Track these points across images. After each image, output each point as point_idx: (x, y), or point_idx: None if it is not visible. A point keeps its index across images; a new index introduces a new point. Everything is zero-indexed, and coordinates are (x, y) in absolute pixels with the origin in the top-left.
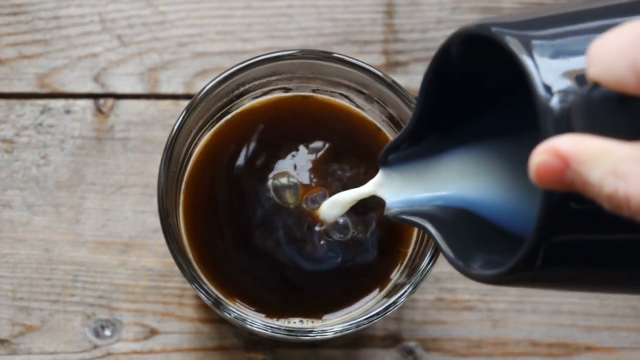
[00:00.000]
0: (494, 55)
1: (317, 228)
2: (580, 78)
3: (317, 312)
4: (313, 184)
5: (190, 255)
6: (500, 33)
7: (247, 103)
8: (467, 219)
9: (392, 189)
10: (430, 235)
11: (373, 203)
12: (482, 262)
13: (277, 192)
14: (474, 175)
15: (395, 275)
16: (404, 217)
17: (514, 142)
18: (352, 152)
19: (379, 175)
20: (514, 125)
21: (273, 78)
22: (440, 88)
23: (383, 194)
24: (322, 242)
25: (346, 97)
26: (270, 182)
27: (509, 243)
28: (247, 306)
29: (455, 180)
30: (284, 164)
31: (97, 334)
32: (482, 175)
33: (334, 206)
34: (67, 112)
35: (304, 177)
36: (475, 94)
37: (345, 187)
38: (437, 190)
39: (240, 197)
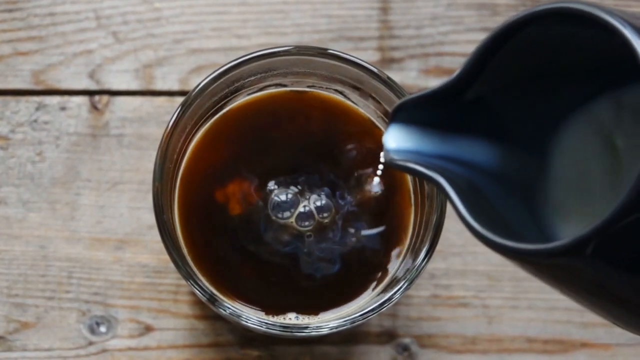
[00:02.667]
0: (556, 43)
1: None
2: None
3: (312, 308)
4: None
5: (186, 252)
6: (603, 11)
7: (242, 99)
8: (477, 192)
9: (399, 137)
10: (444, 191)
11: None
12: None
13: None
14: (491, 155)
15: (390, 272)
16: (410, 165)
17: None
18: (348, 148)
19: (391, 127)
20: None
21: (268, 74)
22: (487, 60)
23: (387, 139)
24: (318, 238)
25: (341, 93)
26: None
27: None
28: (242, 302)
29: (470, 154)
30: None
31: (93, 330)
32: (500, 158)
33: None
34: (63, 108)
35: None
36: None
37: (344, 185)
38: (447, 153)
39: (236, 193)
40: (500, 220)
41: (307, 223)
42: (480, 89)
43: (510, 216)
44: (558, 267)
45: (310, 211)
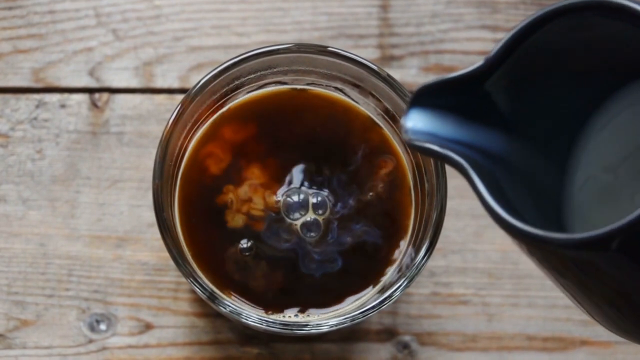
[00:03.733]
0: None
1: (310, 219)
2: None
3: (312, 306)
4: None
5: (186, 250)
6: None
7: (242, 97)
8: (491, 178)
9: (418, 118)
10: (465, 174)
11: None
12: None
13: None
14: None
15: (390, 269)
16: (430, 146)
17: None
18: (347, 146)
19: (411, 109)
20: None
21: (268, 72)
22: (515, 49)
23: (407, 120)
24: (318, 236)
25: (341, 90)
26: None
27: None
28: (242, 300)
29: (483, 142)
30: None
31: (92, 328)
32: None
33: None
34: (62, 106)
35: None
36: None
37: (344, 184)
38: (463, 139)
39: (236, 191)
40: (511, 208)
41: (313, 234)
42: (501, 79)
43: (517, 206)
44: (578, 260)
45: (311, 220)
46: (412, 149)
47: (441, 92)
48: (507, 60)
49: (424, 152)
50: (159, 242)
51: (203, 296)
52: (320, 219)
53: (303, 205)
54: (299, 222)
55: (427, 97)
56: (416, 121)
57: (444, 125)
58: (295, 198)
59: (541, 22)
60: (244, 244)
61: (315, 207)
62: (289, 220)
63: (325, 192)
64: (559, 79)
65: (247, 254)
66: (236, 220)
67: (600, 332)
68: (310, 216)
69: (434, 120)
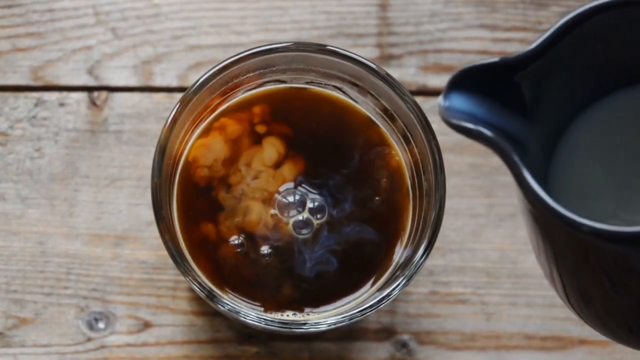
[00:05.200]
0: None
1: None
2: None
3: (310, 304)
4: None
5: (184, 248)
6: None
7: (241, 95)
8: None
9: (455, 99)
10: (506, 156)
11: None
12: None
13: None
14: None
15: (388, 268)
16: (468, 125)
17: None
18: (346, 145)
19: (449, 90)
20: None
21: (267, 70)
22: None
23: (445, 99)
24: (317, 235)
25: (340, 89)
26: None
27: None
28: (241, 299)
29: (512, 128)
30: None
31: (91, 326)
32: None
33: None
34: (61, 104)
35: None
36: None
37: (343, 183)
38: (496, 123)
39: (234, 189)
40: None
41: (305, 231)
42: (534, 69)
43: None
44: (611, 253)
45: (308, 218)
46: (450, 127)
47: (477, 76)
48: (547, 53)
49: (461, 131)
50: (158, 241)
51: (202, 294)
52: (314, 219)
53: (299, 205)
54: (291, 220)
55: (464, 80)
56: (452, 101)
57: (476, 106)
58: (290, 198)
59: (588, 15)
60: (243, 242)
61: (313, 207)
62: (285, 219)
63: (324, 192)
64: (577, 72)
65: (245, 253)
66: (235, 219)
67: None
68: (303, 215)
69: (468, 101)
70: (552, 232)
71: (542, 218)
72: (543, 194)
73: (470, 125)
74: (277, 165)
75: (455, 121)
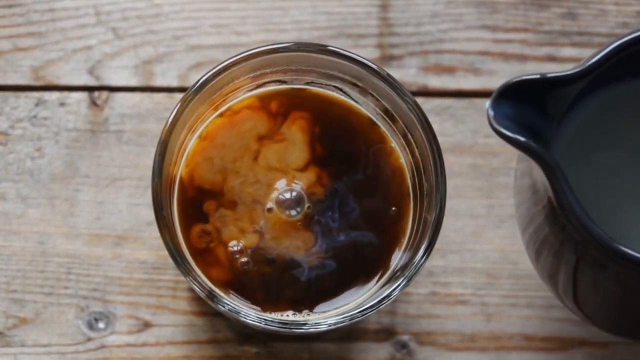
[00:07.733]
0: None
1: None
2: None
3: (311, 305)
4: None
5: (184, 248)
6: None
7: (242, 96)
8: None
9: (504, 109)
10: (551, 172)
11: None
12: None
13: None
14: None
15: (389, 269)
16: (517, 137)
17: None
18: (346, 145)
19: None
20: None
21: (268, 71)
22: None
23: (493, 108)
24: (317, 235)
25: (341, 90)
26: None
27: None
28: (241, 299)
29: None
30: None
31: (91, 326)
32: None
33: None
34: (62, 104)
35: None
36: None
37: (342, 183)
38: (540, 134)
39: (234, 190)
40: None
41: (293, 212)
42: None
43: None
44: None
45: (308, 218)
46: (498, 136)
47: (529, 87)
48: (597, 70)
49: (510, 142)
50: (158, 241)
51: (202, 294)
52: (314, 219)
53: (299, 204)
54: (291, 219)
55: (516, 90)
56: (502, 111)
57: (525, 117)
58: (290, 197)
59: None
60: (243, 243)
61: (313, 207)
62: (285, 219)
63: (324, 192)
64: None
65: (246, 253)
66: (235, 219)
67: (598, 332)
68: (304, 214)
69: (515, 110)
70: (584, 251)
71: (573, 236)
72: (587, 221)
73: (520, 138)
74: (277, 166)
75: (504, 131)
